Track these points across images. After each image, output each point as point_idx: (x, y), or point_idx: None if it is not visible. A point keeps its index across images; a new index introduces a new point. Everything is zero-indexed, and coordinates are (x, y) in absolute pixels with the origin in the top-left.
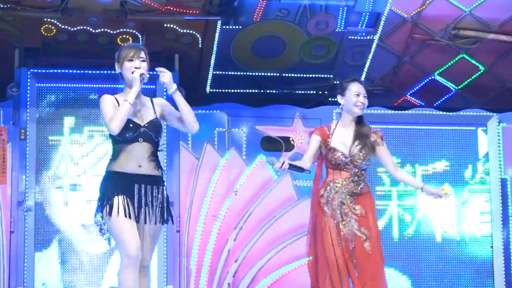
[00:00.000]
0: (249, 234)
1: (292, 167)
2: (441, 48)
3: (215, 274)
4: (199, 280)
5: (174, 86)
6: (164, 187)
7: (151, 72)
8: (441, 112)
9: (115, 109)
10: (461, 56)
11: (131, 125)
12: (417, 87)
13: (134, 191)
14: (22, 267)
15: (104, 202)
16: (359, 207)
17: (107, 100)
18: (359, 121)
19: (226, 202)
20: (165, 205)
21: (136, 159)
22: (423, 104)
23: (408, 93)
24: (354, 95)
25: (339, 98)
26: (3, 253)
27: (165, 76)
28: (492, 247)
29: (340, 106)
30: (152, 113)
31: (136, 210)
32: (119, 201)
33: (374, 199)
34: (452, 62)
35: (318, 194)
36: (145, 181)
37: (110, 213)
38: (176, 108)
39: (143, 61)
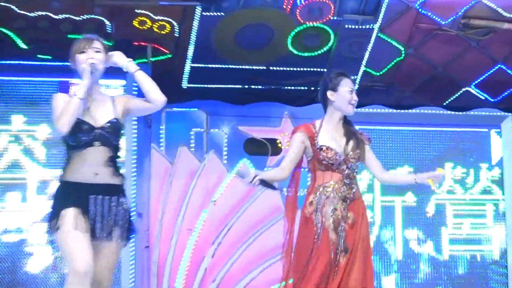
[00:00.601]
0: (229, 250)
1: (263, 183)
2: (449, 39)
3: None
4: None
5: (126, 61)
6: (125, 198)
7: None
8: (450, 112)
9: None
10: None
11: (85, 127)
12: (422, 83)
13: (89, 204)
14: None
15: (53, 215)
16: (351, 215)
17: (58, 98)
18: (346, 119)
19: (203, 213)
20: (126, 219)
21: (92, 166)
22: (429, 102)
23: (412, 90)
24: (348, 92)
25: (329, 95)
26: None
27: (114, 55)
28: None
29: (331, 103)
30: (111, 112)
31: (91, 225)
32: (68, 213)
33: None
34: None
35: (306, 202)
36: (102, 191)
37: (57, 227)
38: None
39: (98, 51)
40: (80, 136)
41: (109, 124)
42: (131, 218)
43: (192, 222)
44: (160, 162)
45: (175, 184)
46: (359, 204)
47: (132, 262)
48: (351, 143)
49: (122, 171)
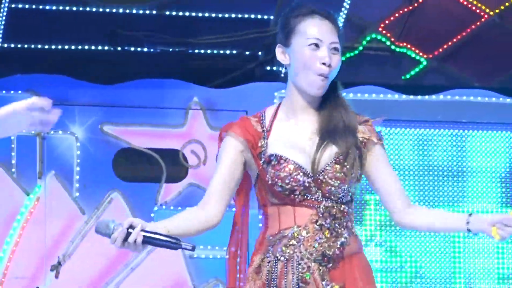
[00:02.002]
0: None
1: (153, 240)
2: None
3: None
4: None
5: None
6: None
7: None
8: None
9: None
10: None
11: None
12: (458, 44)
13: None
14: None
15: None
16: None
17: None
18: (330, 95)
19: None
20: None
21: None
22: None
23: (440, 57)
24: (309, 48)
25: (278, 54)
26: None
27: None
28: None
29: (284, 72)
30: None
31: None
32: None
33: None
34: None
35: (249, 267)
36: None
37: None
38: None
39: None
40: None
41: None
42: None
43: None
44: None
45: None
46: (357, 264)
47: None
48: (330, 145)
49: None
